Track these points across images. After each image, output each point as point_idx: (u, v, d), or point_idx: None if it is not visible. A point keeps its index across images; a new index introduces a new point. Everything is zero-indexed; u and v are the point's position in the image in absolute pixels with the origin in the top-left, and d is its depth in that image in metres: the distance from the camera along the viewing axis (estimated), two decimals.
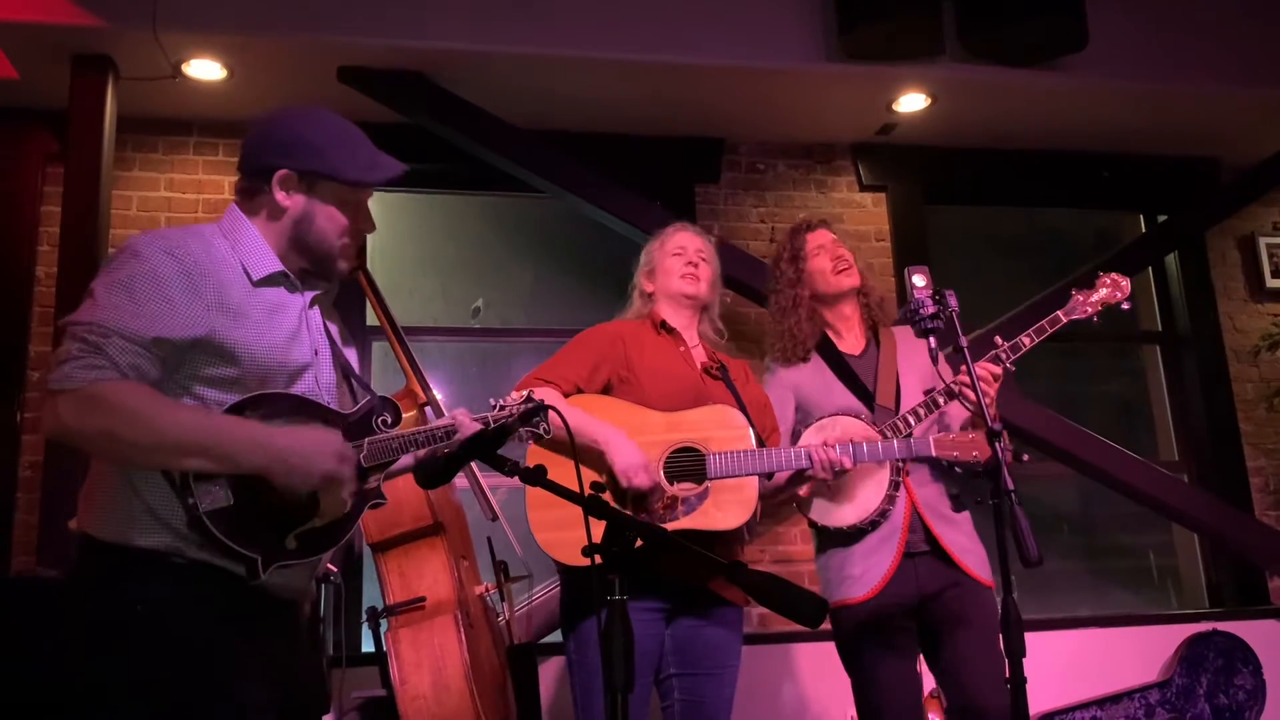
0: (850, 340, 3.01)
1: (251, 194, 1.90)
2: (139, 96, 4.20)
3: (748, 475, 2.63)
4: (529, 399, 2.08)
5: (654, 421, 2.67)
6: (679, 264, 2.91)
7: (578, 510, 2.49)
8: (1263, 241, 5.39)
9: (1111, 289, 2.80)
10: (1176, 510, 4.71)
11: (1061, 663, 4.30)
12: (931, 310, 2.56)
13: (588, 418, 2.62)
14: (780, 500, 2.87)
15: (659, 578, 2.55)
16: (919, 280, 2.60)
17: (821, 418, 2.86)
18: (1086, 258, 5.14)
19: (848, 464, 2.64)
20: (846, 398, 2.89)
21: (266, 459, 1.67)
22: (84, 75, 4.02)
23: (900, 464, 2.78)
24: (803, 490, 2.80)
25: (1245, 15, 4.78)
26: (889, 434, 2.74)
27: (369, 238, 4.68)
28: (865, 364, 2.94)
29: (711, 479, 2.62)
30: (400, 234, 4.89)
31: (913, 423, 2.77)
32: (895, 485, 2.77)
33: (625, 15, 4.28)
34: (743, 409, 2.75)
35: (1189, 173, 5.32)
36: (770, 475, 2.72)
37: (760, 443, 2.70)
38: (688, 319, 2.92)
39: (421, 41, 4.11)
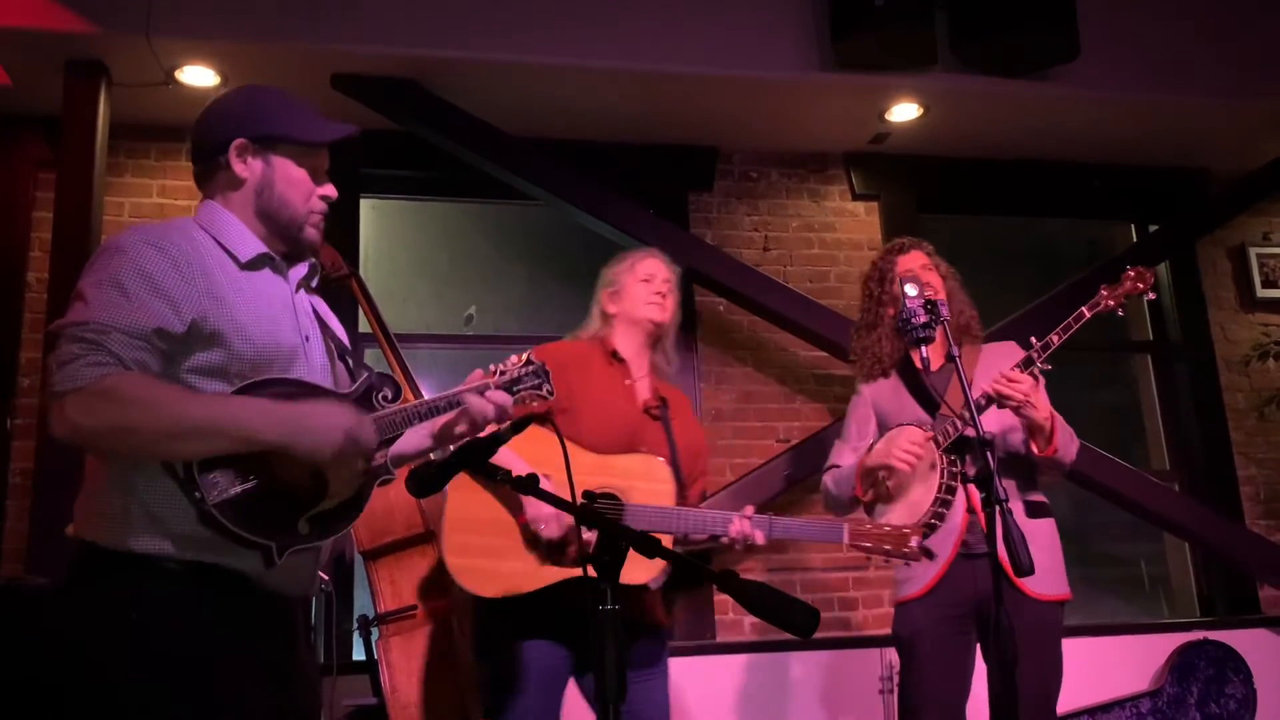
0: (932, 358, 3.01)
1: (209, 175, 1.90)
2: (132, 103, 4.20)
3: (661, 533, 2.61)
4: (529, 361, 2.12)
5: (582, 463, 2.64)
6: (647, 291, 2.91)
7: (501, 541, 2.58)
8: (1253, 252, 5.41)
9: (1135, 280, 2.84)
10: (1167, 519, 4.72)
11: None
12: (923, 319, 2.58)
13: (513, 458, 2.57)
14: (704, 548, 2.88)
15: (573, 606, 2.55)
16: (911, 290, 2.63)
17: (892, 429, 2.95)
18: (1078, 267, 5.16)
19: (759, 539, 2.61)
20: (916, 410, 2.95)
21: (287, 430, 1.66)
22: (77, 81, 4.02)
23: (953, 468, 2.80)
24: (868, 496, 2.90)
25: (1235, 27, 4.81)
26: (941, 438, 2.80)
27: (361, 244, 4.72)
28: (940, 378, 2.95)
29: None
30: (393, 241, 4.89)
31: (960, 425, 2.77)
32: (947, 489, 2.79)
33: (619, 24, 4.29)
34: (674, 454, 2.77)
35: (1179, 183, 5.35)
36: (686, 537, 2.73)
37: (681, 496, 2.72)
38: (640, 347, 2.92)
39: (415, 49, 4.11)
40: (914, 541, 2.61)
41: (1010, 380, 2.72)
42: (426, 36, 4.11)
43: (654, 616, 2.73)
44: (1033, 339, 2.81)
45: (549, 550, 2.57)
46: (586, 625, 2.56)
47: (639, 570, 2.57)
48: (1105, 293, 2.83)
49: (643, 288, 2.91)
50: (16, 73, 4.07)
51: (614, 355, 2.88)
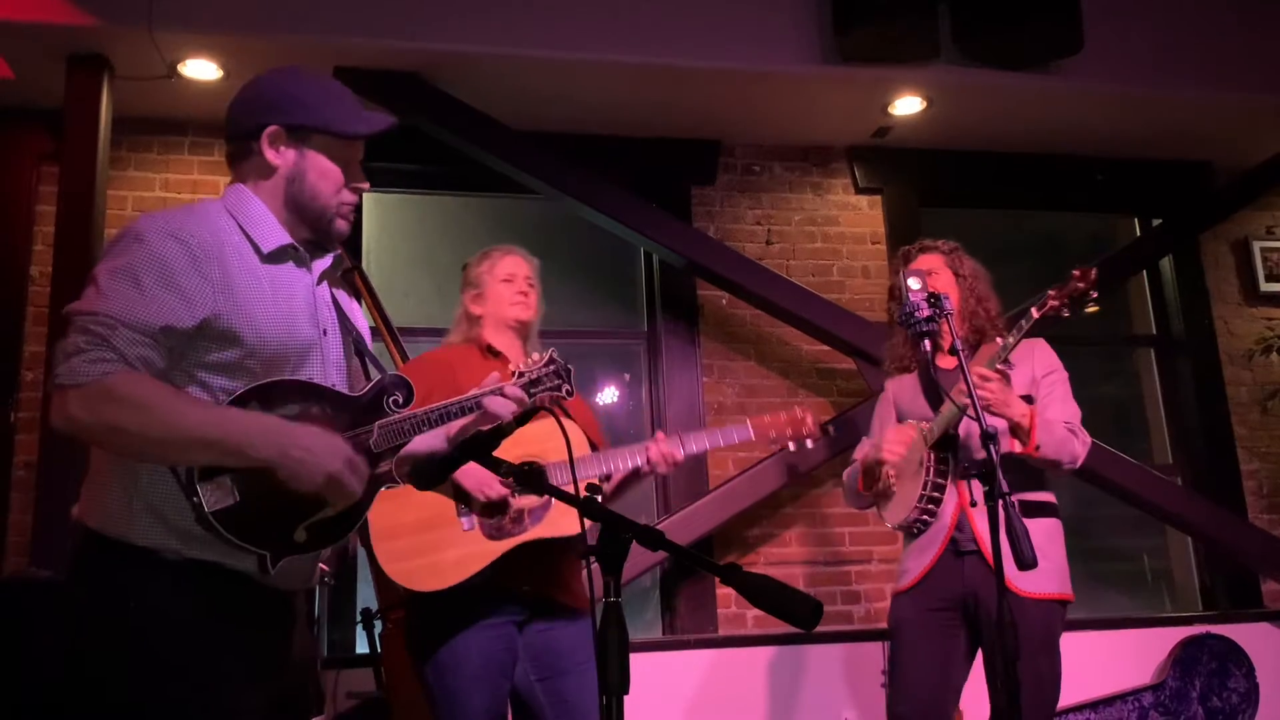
0: (948, 355, 3.04)
1: (241, 157, 1.87)
2: (134, 96, 4.20)
3: (584, 478, 2.69)
4: (551, 360, 2.15)
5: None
6: (510, 291, 2.93)
7: (426, 538, 2.63)
8: (1256, 245, 5.40)
9: (1078, 280, 2.82)
10: (1170, 513, 4.72)
11: None
12: (927, 313, 2.58)
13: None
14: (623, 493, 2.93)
15: (510, 590, 2.63)
16: (914, 283, 2.63)
17: None
18: (1081, 261, 5.11)
19: (679, 455, 2.75)
20: (924, 407, 2.98)
21: (277, 452, 1.64)
22: (79, 75, 4.02)
23: (941, 466, 2.86)
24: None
25: (1238, 21, 4.80)
26: (928, 435, 2.86)
27: (364, 238, 4.72)
28: (952, 376, 2.95)
29: None
30: (395, 235, 4.89)
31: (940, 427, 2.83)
32: (935, 486, 2.85)
33: (621, 17, 4.28)
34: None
35: (1183, 177, 5.33)
36: (609, 476, 2.81)
37: (593, 448, 2.78)
38: (512, 341, 2.93)
39: (417, 43, 4.10)
40: (809, 420, 2.90)
41: (981, 379, 2.70)
42: (429, 30, 4.11)
43: (574, 596, 2.74)
44: (998, 339, 2.82)
45: (485, 510, 2.63)
46: (527, 603, 2.63)
47: (571, 517, 2.64)
48: (1052, 294, 2.79)
49: (505, 288, 2.94)
50: (19, 66, 4.07)
51: (489, 350, 2.89)
